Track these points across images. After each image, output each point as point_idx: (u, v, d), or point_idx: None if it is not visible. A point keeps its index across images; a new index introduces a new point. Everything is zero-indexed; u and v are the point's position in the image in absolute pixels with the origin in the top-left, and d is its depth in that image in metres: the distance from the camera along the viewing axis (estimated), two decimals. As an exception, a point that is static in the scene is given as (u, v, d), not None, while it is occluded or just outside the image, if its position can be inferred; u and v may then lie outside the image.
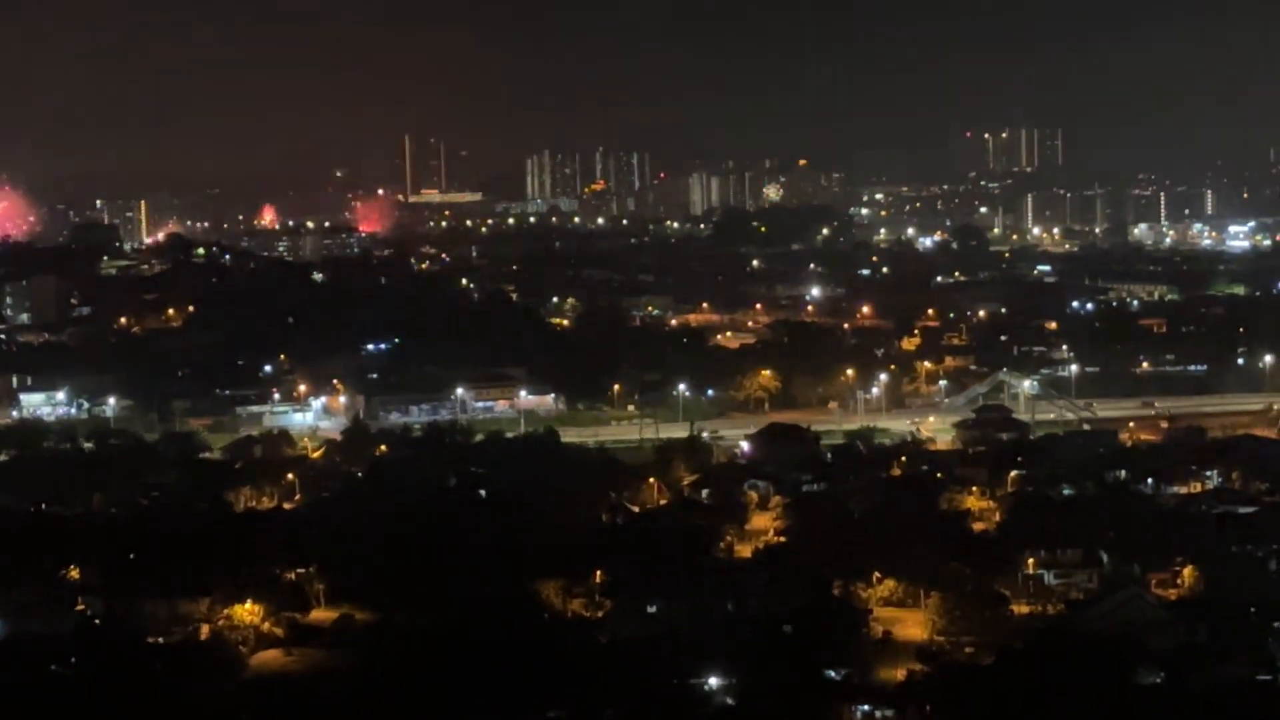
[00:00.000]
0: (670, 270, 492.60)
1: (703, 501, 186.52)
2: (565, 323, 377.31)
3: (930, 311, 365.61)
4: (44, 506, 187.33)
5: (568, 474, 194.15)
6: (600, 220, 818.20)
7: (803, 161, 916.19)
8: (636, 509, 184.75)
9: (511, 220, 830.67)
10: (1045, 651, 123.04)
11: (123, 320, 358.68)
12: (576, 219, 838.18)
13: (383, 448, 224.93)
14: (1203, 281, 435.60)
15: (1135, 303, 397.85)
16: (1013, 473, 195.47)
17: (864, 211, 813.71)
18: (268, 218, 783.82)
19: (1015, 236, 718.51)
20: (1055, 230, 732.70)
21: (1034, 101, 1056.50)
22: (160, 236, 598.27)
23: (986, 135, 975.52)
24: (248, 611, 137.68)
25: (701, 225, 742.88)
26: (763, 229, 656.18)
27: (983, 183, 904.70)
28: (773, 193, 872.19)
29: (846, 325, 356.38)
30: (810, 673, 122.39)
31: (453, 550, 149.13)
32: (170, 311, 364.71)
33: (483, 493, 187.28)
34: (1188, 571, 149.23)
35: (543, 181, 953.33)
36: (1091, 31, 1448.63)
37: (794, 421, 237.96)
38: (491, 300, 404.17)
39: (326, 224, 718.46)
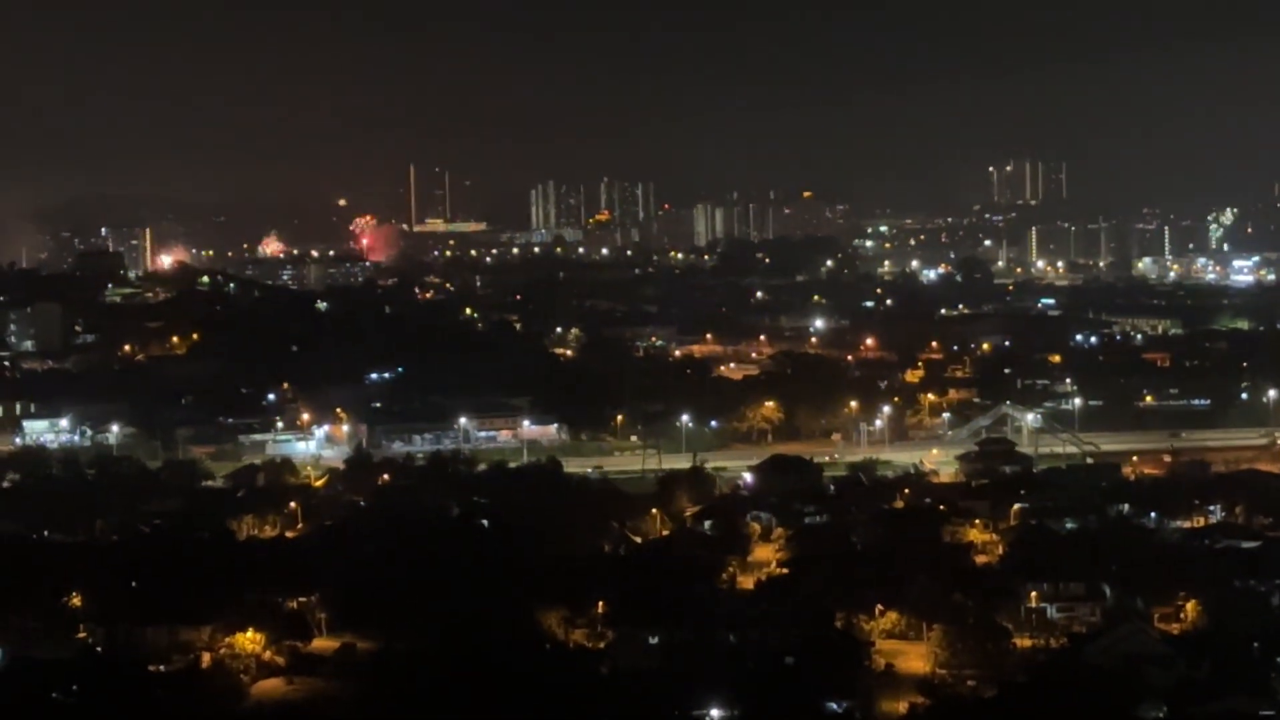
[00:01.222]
0: (674, 301, 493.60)
1: (705, 532, 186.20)
2: (569, 353, 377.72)
3: (934, 344, 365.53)
4: (46, 533, 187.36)
5: (570, 504, 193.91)
6: (604, 250, 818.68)
7: (807, 194, 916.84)
8: (639, 539, 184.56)
9: (516, 250, 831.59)
10: (1047, 685, 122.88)
11: (126, 348, 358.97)
12: (581, 249, 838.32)
13: (385, 477, 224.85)
14: (1207, 316, 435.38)
15: (1139, 336, 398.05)
16: (1015, 505, 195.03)
17: (868, 244, 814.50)
18: (271, 247, 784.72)
19: (1019, 269, 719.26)
20: (1059, 263, 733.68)
21: (1039, 135, 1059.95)
22: (165, 264, 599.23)
23: (991, 168, 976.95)
24: (249, 640, 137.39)
25: (706, 256, 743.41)
26: (767, 260, 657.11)
27: (987, 215, 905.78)
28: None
29: (850, 357, 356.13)
30: (812, 705, 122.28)
31: (455, 580, 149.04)
32: (174, 339, 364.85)
33: (485, 522, 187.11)
34: (1191, 606, 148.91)
35: (547, 211, 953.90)
36: (1096, 65, 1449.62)
37: (797, 453, 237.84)
38: (495, 330, 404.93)
39: (331, 253, 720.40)
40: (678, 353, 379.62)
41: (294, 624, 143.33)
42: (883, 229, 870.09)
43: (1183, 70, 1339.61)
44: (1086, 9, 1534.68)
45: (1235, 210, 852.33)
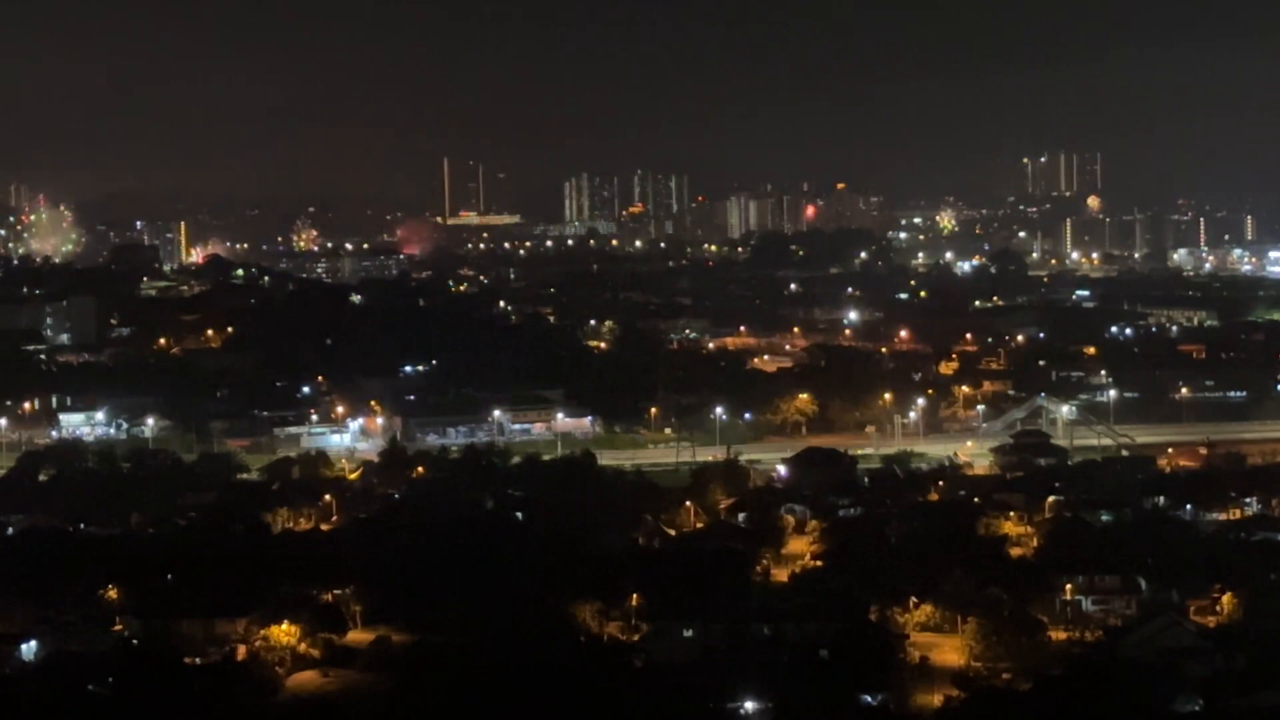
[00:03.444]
0: (708, 293, 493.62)
1: (739, 525, 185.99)
2: (603, 345, 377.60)
3: (968, 336, 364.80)
4: (82, 526, 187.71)
5: (604, 497, 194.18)
6: (638, 243, 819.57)
7: (840, 185, 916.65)
8: (673, 532, 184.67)
9: (549, 243, 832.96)
10: (1083, 678, 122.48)
11: (161, 341, 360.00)
12: (614, 241, 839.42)
13: (420, 469, 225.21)
14: (1242, 307, 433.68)
15: (1174, 328, 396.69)
16: (1050, 498, 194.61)
17: (902, 235, 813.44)
18: (304, 238, 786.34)
19: (1054, 261, 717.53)
20: (1094, 255, 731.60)
21: (1073, 126, 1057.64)
22: (199, 257, 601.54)
23: (1025, 160, 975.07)
24: (284, 632, 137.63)
25: (739, 248, 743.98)
26: (800, 252, 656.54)
27: (1021, 207, 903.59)
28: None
29: (884, 349, 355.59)
30: (846, 698, 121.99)
31: (489, 572, 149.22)
32: (209, 332, 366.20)
33: (519, 515, 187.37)
34: (1226, 598, 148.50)
35: (580, 204, 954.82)
36: (1131, 57, 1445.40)
37: (831, 446, 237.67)
38: (529, 322, 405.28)
39: (365, 245, 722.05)
40: (711, 345, 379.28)
41: (329, 617, 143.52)
42: (916, 221, 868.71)
43: (1218, 62, 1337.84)
44: (1121, 2, 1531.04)
45: (1271, 201, 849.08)
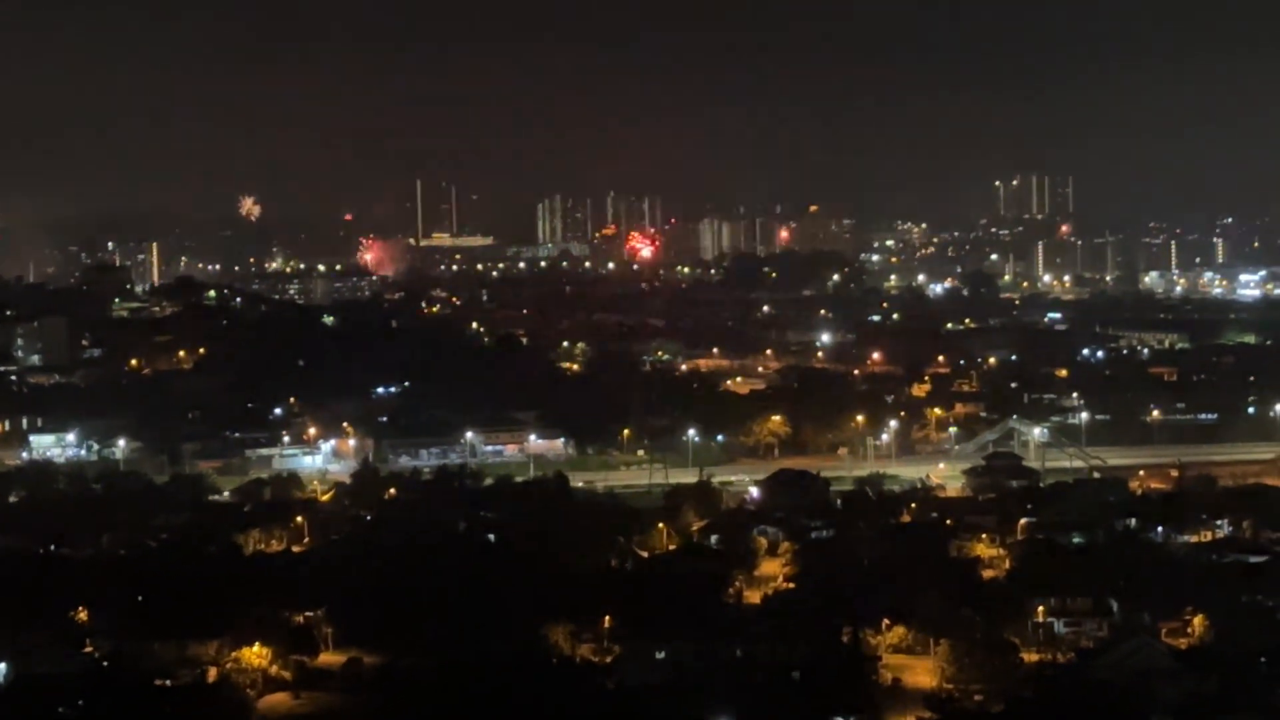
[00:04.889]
0: (681, 315, 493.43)
1: (712, 547, 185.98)
2: (575, 367, 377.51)
3: (940, 358, 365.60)
4: (53, 548, 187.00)
5: (577, 519, 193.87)
6: (611, 265, 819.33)
7: (813, 207, 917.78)
8: (645, 554, 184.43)
9: (522, 264, 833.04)
10: (1055, 700, 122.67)
11: (133, 362, 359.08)
12: (587, 263, 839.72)
13: (392, 491, 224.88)
14: (1214, 330, 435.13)
15: (1146, 351, 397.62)
16: (1023, 520, 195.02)
17: (874, 258, 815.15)
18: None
19: (1026, 284, 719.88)
20: (1066, 277, 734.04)
21: (1045, 149, 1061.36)
22: (171, 278, 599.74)
23: (997, 183, 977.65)
24: (256, 654, 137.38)
25: (712, 270, 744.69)
26: (773, 274, 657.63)
27: (993, 230, 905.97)
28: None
29: (856, 371, 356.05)
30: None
31: (461, 594, 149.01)
32: (181, 354, 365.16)
33: (492, 537, 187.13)
34: (1198, 621, 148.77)
35: (554, 225, 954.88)
36: (1102, 81, 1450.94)
37: (803, 467, 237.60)
38: (502, 344, 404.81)
39: (337, 267, 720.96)
40: (684, 367, 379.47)
41: (301, 638, 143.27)
42: (889, 243, 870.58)
43: (1189, 85, 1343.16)
44: (1092, 25, 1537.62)
45: (1242, 224, 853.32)
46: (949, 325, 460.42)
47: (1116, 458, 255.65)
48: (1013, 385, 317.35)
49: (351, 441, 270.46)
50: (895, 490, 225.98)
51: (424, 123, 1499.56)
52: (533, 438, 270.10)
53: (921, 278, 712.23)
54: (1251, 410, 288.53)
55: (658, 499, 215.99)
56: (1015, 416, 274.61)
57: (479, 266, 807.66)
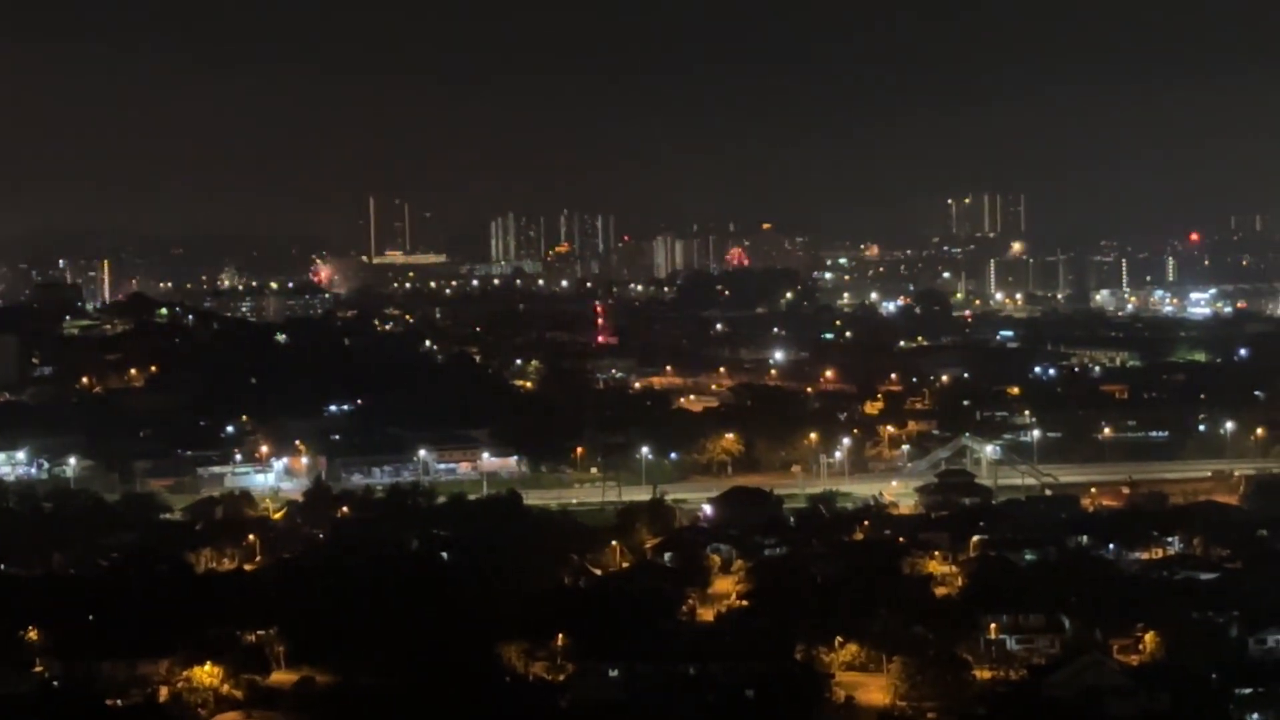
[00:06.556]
0: (634, 333, 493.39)
1: (665, 565, 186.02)
2: (529, 385, 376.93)
3: (893, 376, 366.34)
4: (2, 567, 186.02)
5: (530, 536, 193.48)
6: (564, 283, 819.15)
7: (766, 225, 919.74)
8: (599, 572, 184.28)
9: (475, 282, 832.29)
10: (1007, 717, 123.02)
11: (84, 380, 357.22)
12: (541, 281, 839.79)
13: (344, 509, 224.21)
14: (1164, 348, 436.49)
15: (1097, 369, 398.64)
16: (975, 537, 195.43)
17: (828, 276, 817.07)
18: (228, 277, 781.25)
19: (978, 301, 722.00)
20: (1018, 295, 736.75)
21: (997, 168, 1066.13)
22: (122, 296, 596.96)
23: (950, 201, 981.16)
24: (207, 673, 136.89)
25: (665, 288, 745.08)
26: (726, 292, 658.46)
27: (946, 248, 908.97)
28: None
29: (810, 389, 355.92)
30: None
31: (414, 613, 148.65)
32: (132, 372, 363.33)
33: (445, 555, 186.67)
34: (1149, 637, 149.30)
35: (507, 244, 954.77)
36: (1054, 100, 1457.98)
37: (757, 485, 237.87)
38: (455, 362, 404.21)
39: (290, 284, 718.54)
40: (638, 385, 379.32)
41: (252, 657, 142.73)
42: (842, 261, 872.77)
43: (1140, 105, 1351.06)
44: (1045, 46, 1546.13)
45: (1192, 243, 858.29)
46: (902, 343, 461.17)
47: (1068, 475, 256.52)
48: (965, 403, 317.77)
49: (304, 459, 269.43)
50: (848, 508, 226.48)
51: (377, 141, 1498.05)
52: (486, 455, 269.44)
53: (874, 296, 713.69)
54: (1202, 428, 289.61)
55: (611, 517, 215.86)
56: (967, 434, 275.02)
57: (432, 284, 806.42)
